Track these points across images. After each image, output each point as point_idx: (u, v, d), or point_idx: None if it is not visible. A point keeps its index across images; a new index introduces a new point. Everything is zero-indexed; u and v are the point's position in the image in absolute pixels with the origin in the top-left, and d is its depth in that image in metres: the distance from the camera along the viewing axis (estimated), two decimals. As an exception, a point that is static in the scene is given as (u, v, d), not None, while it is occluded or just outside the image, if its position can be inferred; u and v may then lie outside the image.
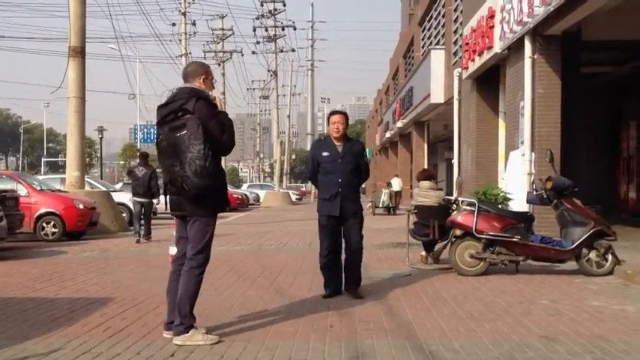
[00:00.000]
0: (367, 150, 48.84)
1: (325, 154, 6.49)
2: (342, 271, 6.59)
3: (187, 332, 4.63)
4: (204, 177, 4.52)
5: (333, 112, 6.65)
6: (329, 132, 6.63)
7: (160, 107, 4.83)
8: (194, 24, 39.67)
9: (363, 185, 9.21)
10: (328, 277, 6.54)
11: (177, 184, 4.64)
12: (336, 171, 6.40)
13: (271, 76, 47.21)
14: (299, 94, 78.28)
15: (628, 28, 12.59)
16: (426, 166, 26.00)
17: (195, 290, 4.74)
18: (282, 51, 47.10)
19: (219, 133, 4.69)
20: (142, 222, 13.44)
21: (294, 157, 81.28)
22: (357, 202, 6.55)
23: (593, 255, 7.91)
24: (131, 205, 15.18)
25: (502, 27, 12.77)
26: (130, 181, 14.35)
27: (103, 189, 18.84)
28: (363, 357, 4.28)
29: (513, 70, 12.62)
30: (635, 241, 10.76)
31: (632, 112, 17.69)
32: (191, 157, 4.50)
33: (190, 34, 39.08)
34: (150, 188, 13.28)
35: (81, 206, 14.19)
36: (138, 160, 14.76)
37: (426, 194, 9.15)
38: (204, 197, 4.66)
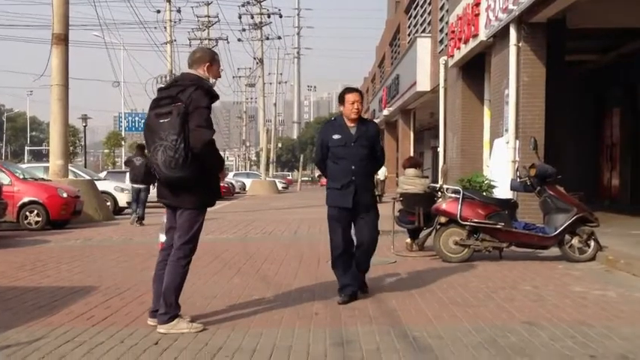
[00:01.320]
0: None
1: (336, 137, 5.67)
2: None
3: (172, 321, 4.62)
4: (173, 169, 4.47)
5: (348, 90, 5.81)
6: (342, 112, 5.79)
7: (159, 90, 4.81)
8: (179, 11, 39.38)
9: None
10: (343, 280, 5.68)
11: (153, 172, 4.68)
12: (349, 156, 5.63)
13: (257, 63, 47.04)
14: (285, 82, 78.23)
15: (612, 15, 12.63)
16: (412, 154, 26.06)
17: (181, 280, 4.72)
18: (268, 38, 46.92)
19: (195, 123, 4.49)
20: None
21: (280, 145, 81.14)
22: (372, 193, 5.87)
23: (575, 241, 7.98)
24: (115, 194, 18.77)
25: (487, 15, 12.79)
26: (128, 170, 16.05)
27: (87, 177, 18.71)
28: (347, 344, 4.30)
29: (498, 58, 12.65)
30: (618, 227, 10.88)
31: (615, 100, 17.81)
32: (165, 146, 4.47)
33: (175, 22, 38.82)
34: (145, 175, 13.93)
35: (64, 195, 14.09)
36: (134, 151, 16.15)
37: (412, 182, 9.18)
38: (189, 189, 4.62)
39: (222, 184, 4.80)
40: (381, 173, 28.03)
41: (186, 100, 4.54)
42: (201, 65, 4.79)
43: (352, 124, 5.70)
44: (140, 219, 14.34)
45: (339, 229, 5.67)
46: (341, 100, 5.78)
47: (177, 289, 4.69)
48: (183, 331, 4.58)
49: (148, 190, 14.54)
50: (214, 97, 4.72)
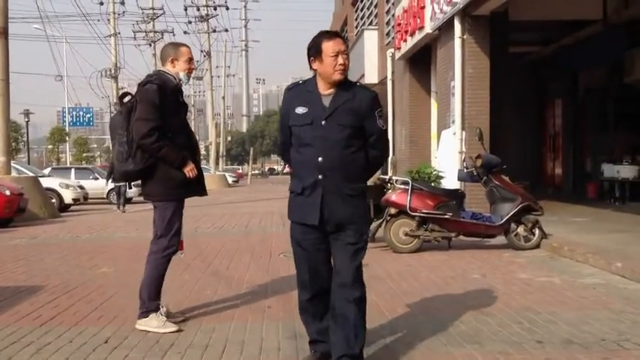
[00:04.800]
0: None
1: (300, 110, 3.69)
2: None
3: (146, 317, 4.56)
4: (121, 162, 4.55)
5: (327, 36, 3.71)
6: (316, 73, 3.71)
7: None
8: (123, 3, 38.67)
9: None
10: (314, 330, 3.85)
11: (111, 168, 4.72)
12: (317, 142, 3.61)
13: (204, 56, 46.46)
14: (234, 75, 77.51)
15: (552, 8, 12.98)
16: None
17: (157, 275, 4.64)
18: (215, 31, 46.38)
19: (135, 117, 4.49)
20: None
21: (229, 138, 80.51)
22: (355, 202, 3.68)
23: (521, 230, 8.19)
24: (60, 191, 19.45)
25: (433, 7, 12.95)
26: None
27: (31, 174, 18.24)
28: (300, 337, 4.31)
29: (444, 51, 12.83)
30: (561, 215, 11.20)
31: (557, 91, 18.29)
32: (118, 141, 4.54)
33: (119, 14, 38.10)
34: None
35: (7, 192, 13.68)
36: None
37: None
38: (149, 181, 4.61)
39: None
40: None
41: (136, 96, 4.59)
42: (167, 61, 4.74)
43: (328, 91, 3.69)
44: (122, 205, 18.06)
45: (305, 261, 3.74)
46: (316, 51, 3.66)
47: (150, 285, 4.62)
48: (152, 329, 4.51)
49: (125, 186, 16.74)
50: (172, 92, 4.63)
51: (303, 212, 3.68)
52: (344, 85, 3.70)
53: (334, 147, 3.61)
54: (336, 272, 3.70)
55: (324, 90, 3.70)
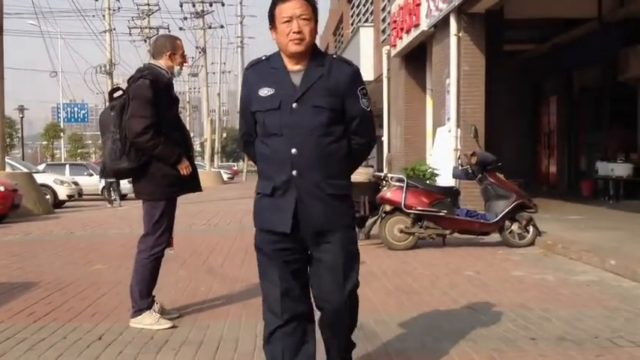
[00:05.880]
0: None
1: (265, 92, 2.97)
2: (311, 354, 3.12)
3: (138, 315, 4.54)
4: (113, 160, 4.48)
5: None
6: (278, 45, 3.02)
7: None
8: (118, -1, 38.47)
9: None
10: None
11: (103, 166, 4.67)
12: (288, 131, 2.93)
13: (200, 53, 46.40)
14: (229, 72, 77.42)
15: (547, 6, 13.01)
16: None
17: (146, 273, 4.58)
18: (210, 27, 46.31)
19: (129, 114, 4.42)
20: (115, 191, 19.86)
21: (225, 135, 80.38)
22: (338, 204, 3.01)
23: (515, 227, 8.21)
24: (55, 187, 19.83)
25: (428, 5, 12.95)
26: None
27: (25, 170, 18.19)
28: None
29: (439, 48, 12.83)
30: (555, 212, 11.23)
31: (551, 89, 18.33)
32: (110, 138, 4.46)
33: (114, 10, 37.95)
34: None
35: (2, 188, 13.63)
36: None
37: (357, 171, 9.23)
38: (139, 180, 4.57)
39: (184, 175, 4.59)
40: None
41: (129, 92, 4.51)
42: (163, 55, 4.63)
43: (297, 66, 2.98)
44: (114, 200, 19.57)
45: (275, 276, 3.02)
46: (271, 17, 3.01)
47: (139, 283, 4.57)
48: (146, 326, 4.50)
49: (118, 181, 18.78)
50: (165, 87, 4.58)
51: (273, 218, 2.99)
52: (317, 59, 2.99)
53: (310, 135, 2.91)
54: (319, 294, 3.05)
55: (292, 65, 2.98)
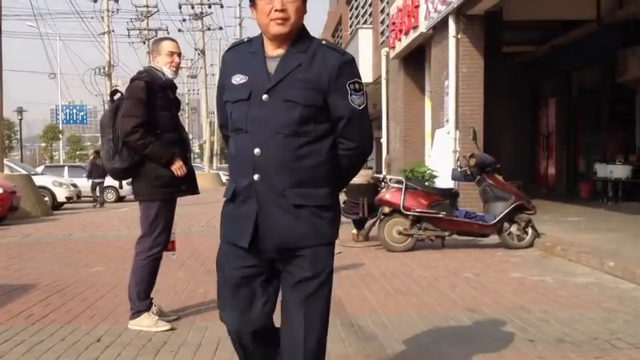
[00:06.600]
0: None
1: (238, 79, 2.53)
2: None
3: (136, 317, 4.54)
4: (109, 160, 4.55)
5: None
6: (259, 25, 2.54)
7: None
8: (117, 0, 38.45)
9: None
10: None
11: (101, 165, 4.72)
12: (253, 126, 2.48)
13: (199, 54, 46.43)
14: (228, 74, 77.27)
15: (546, 8, 13.02)
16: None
17: (144, 275, 4.56)
18: (209, 29, 46.28)
19: (120, 114, 4.46)
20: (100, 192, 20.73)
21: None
22: (309, 216, 2.49)
23: (514, 229, 8.21)
24: (53, 189, 19.83)
25: (427, 6, 12.95)
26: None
27: (24, 172, 18.15)
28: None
29: (438, 50, 12.84)
30: (554, 214, 11.23)
31: (550, 90, 18.35)
32: (107, 138, 4.55)
33: (113, 11, 37.95)
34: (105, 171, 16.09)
35: (0, 190, 13.63)
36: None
37: (355, 172, 9.23)
38: (135, 180, 4.59)
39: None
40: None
41: (124, 93, 4.62)
42: (153, 57, 4.73)
43: (277, 51, 2.52)
44: (101, 203, 20.48)
45: (236, 300, 2.62)
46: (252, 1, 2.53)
47: (138, 285, 4.56)
48: (144, 328, 4.49)
49: (102, 183, 20.41)
50: (161, 89, 4.57)
51: (233, 228, 2.56)
52: (299, 43, 2.50)
53: (276, 134, 2.43)
54: (285, 322, 2.57)
55: (272, 50, 2.51)
